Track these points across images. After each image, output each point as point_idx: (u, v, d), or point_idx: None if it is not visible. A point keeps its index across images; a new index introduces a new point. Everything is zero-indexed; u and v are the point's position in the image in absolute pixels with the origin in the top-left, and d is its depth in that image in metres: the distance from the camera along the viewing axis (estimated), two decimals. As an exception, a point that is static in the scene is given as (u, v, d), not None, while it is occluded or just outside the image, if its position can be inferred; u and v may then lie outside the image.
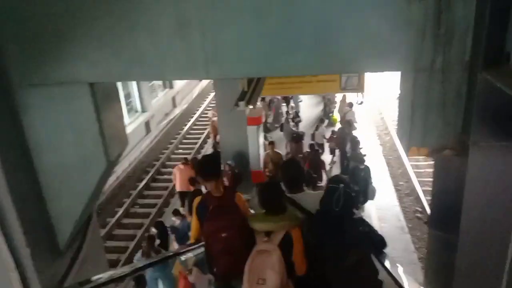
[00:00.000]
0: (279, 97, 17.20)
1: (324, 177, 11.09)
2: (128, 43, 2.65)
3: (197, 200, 3.55)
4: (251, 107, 9.06)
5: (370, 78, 8.36)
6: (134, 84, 17.24)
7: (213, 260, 3.36)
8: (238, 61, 2.59)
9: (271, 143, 11.19)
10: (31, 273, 2.91)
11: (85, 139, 2.86)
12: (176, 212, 9.28)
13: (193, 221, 3.57)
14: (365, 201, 10.41)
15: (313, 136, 14.05)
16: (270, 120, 16.90)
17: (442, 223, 3.03)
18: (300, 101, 17.10)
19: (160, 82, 20.68)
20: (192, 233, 3.69)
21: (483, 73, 2.17)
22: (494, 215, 2.45)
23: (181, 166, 11.27)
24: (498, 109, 2.22)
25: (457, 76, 2.36)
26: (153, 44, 2.63)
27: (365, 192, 10.25)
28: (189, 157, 13.61)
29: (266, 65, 2.56)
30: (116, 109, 3.08)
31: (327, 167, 12.17)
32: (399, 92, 2.82)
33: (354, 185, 9.91)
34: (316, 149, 11.98)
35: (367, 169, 10.37)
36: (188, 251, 4.36)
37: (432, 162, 12.88)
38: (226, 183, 8.24)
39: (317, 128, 14.22)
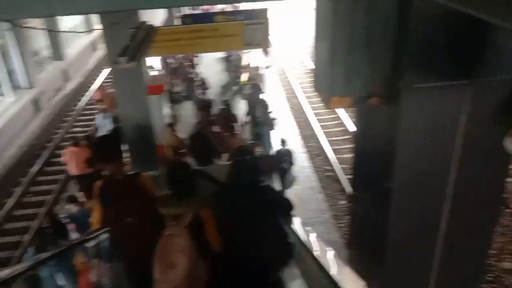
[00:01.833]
0: (189, 62, 16.37)
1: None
2: None
3: (98, 184, 3.36)
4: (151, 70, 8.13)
5: (275, 34, 7.75)
6: (16, 57, 15.19)
7: (120, 247, 3.29)
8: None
9: (170, 126, 10.01)
10: None
11: None
12: (71, 199, 8.23)
13: (96, 207, 3.43)
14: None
15: None
16: (177, 89, 15.98)
17: (368, 183, 2.69)
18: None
19: (48, 54, 18.52)
20: (96, 220, 3.52)
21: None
22: (431, 165, 2.13)
23: (73, 148, 10.05)
24: (435, 41, 1.82)
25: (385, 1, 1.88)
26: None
27: (283, 178, 9.57)
28: (81, 136, 12.36)
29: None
30: None
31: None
32: (314, 29, 2.31)
33: (279, 166, 9.48)
34: (228, 104, 11.87)
35: (288, 153, 9.70)
36: (89, 240, 3.89)
37: (339, 121, 13.59)
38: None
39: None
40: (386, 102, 2.09)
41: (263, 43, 7.18)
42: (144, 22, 5.89)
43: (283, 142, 9.75)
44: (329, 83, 2.10)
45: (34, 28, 15.08)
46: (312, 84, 2.47)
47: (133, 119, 9.98)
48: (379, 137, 2.38)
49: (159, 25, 6.68)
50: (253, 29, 6.93)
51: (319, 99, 2.56)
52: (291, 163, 9.70)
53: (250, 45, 7.27)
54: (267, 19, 7.23)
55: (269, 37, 7.12)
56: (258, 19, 7.11)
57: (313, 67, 2.44)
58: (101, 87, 15.05)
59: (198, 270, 2.85)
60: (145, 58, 10.07)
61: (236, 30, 7.04)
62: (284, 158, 9.61)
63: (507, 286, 7.71)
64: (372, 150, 2.53)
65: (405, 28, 1.89)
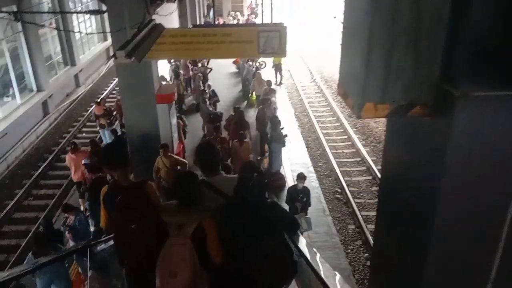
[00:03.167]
0: (201, 74, 16.21)
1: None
2: None
3: (104, 190, 3.43)
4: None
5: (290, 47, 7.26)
6: (27, 60, 15.19)
7: (123, 252, 3.29)
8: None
9: (163, 147, 9.08)
10: None
11: None
12: (67, 208, 7.85)
13: (102, 213, 3.49)
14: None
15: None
16: (187, 100, 15.83)
17: (400, 211, 2.29)
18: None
19: (60, 59, 18.60)
20: (103, 226, 3.58)
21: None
22: (488, 193, 1.74)
23: (72, 155, 9.77)
24: (499, 39, 1.47)
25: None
26: None
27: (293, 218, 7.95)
28: (86, 142, 12.14)
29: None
30: None
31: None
32: (344, 20, 1.96)
33: (291, 205, 8.30)
34: (241, 110, 11.70)
35: (306, 191, 8.45)
36: (88, 247, 4.07)
37: (349, 142, 13.31)
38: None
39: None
40: (433, 113, 1.72)
41: (279, 52, 6.79)
42: (151, 20, 5.54)
43: (300, 177, 8.45)
44: (361, 86, 1.73)
45: (44, 26, 15.00)
46: (337, 88, 2.10)
47: (140, 127, 9.73)
48: (418, 156, 1.99)
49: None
50: (268, 36, 6.58)
51: (347, 109, 2.18)
52: (306, 204, 8.44)
53: (265, 53, 6.88)
54: (284, 27, 6.88)
55: (285, 46, 6.76)
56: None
57: (340, 66, 2.08)
58: (101, 102, 14.70)
59: (200, 281, 2.86)
60: (157, 67, 9.89)
61: (250, 37, 6.65)
62: (299, 197, 8.36)
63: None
64: (408, 173, 2.13)
65: (462, 21, 1.55)
